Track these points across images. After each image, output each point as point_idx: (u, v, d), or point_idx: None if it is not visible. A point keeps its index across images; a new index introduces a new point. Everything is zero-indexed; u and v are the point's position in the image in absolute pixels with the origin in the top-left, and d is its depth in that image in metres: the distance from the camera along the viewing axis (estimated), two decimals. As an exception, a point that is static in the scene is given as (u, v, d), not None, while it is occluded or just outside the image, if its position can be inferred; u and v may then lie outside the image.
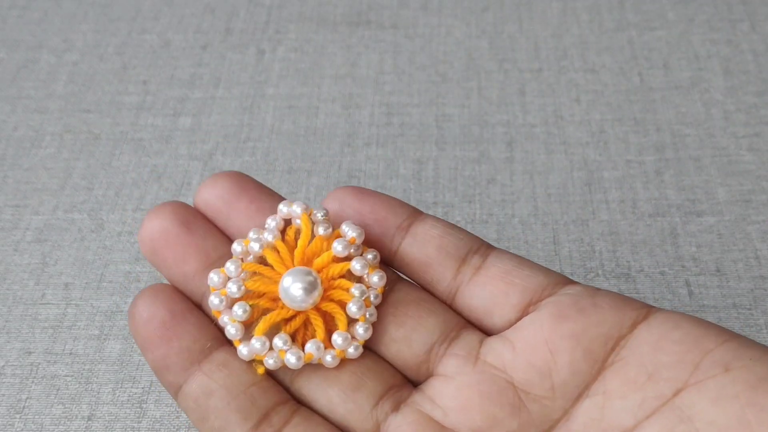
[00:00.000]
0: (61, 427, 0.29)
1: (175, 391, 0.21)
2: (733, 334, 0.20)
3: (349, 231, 0.22)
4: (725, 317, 0.31)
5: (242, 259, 0.22)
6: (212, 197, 0.22)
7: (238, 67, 0.42)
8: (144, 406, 0.29)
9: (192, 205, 0.23)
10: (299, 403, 0.21)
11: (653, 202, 0.35)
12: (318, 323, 0.21)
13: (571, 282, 0.22)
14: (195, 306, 0.22)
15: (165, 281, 0.23)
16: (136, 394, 0.29)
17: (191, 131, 0.39)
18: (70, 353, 0.31)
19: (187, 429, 0.28)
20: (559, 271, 0.28)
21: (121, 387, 0.30)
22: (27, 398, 0.29)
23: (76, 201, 0.36)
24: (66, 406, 0.29)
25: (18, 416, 0.29)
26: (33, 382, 0.30)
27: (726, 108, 0.38)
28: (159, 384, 0.30)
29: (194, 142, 0.38)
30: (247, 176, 0.23)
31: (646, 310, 0.21)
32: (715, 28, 0.42)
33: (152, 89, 0.41)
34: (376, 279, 0.22)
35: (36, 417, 0.29)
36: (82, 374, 0.30)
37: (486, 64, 0.41)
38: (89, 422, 0.29)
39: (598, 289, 0.21)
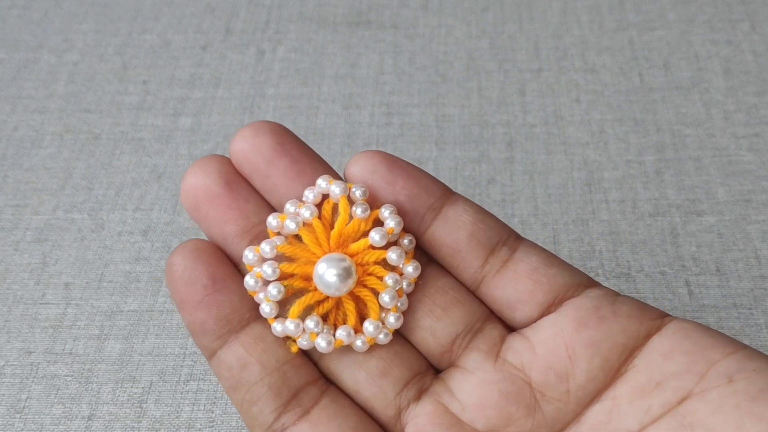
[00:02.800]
0: (61, 427, 0.29)
1: (210, 355, 0.21)
2: (741, 346, 0.20)
3: (389, 220, 0.21)
4: (725, 317, 0.31)
5: (279, 233, 0.21)
6: (252, 152, 0.21)
7: (238, 67, 0.42)
8: (144, 406, 0.29)
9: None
10: (328, 380, 0.22)
11: (653, 202, 0.35)
12: (350, 309, 0.21)
13: (594, 284, 0.22)
14: (235, 270, 0.21)
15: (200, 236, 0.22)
16: (136, 394, 0.29)
17: (191, 131, 0.39)
18: (70, 353, 0.31)
19: (187, 429, 0.28)
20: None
21: (121, 387, 0.30)
22: (27, 398, 0.29)
23: (76, 201, 0.36)
24: (66, 406, 0.29)
25: (18, 416, 0.29)
26: (33, 382, 0.30)
27: (726, 108, 0.38)
28: (159, 384, 0.30)
29: (194, 142, 0.38)
30: (288, 131, 0.22)
31: (661, 321, 0.21)
32: (715, 29, 0.42)
33: (152, 89, 0.41)
34: (411, 270, 0.21)
35: (36, 417, 0.29)
36: (82, 374, 0.30)
37: (486, 64, 0.41)
38: (89, 422, 0.29)
39: (618, 294, 0.22)
